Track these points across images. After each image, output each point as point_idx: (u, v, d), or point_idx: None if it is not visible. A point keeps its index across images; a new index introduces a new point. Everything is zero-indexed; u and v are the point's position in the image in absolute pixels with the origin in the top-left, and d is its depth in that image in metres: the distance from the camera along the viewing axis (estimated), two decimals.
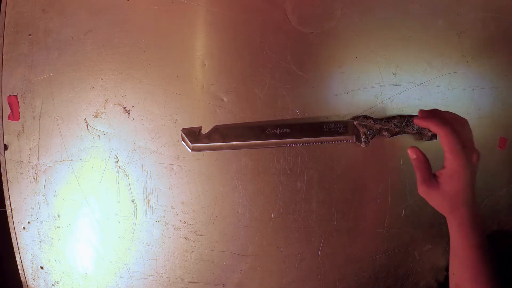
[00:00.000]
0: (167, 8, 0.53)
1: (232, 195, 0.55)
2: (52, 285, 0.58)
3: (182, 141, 0.49)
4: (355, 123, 0.54)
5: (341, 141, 0.54)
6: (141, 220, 0.56)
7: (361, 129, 0.54)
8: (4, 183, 0.56)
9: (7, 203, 0.56)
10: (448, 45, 0.56)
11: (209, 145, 0.49)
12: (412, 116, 0.54)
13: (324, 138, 0.53)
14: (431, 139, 0.55)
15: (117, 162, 0.55)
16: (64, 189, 0.56)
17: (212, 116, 0.54)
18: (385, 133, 0.54)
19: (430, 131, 0.54)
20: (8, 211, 0.57)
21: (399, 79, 0.56)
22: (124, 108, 0.54)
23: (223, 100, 0.54)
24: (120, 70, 0.54)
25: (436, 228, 0.58)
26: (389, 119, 0.54)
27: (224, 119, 0.54)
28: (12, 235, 0.57)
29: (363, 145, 0.54)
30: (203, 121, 0.54)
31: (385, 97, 0.55)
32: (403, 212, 0.57)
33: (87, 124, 0.55)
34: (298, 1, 0.54)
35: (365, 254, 0.57)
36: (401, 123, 0.54)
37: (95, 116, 0.55)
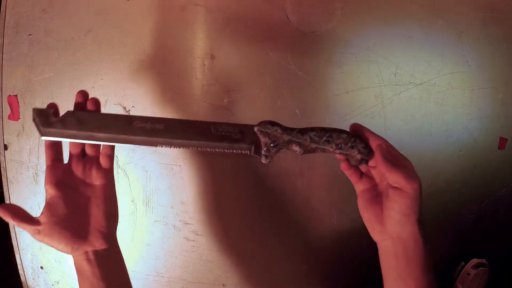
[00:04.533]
0: (167, 8, 0.53)
1: (232, 195, 0.55)
2: (52, 285, 0.58)
3: (34, 122, 0.40)
4: (255, 129, 0.41)
5: (233, 150, 0.41)
6: (141, 220, 0.56)
7: (263, 139, 0.41)
8: (4, 183, 0.56)
9: (7, 203, 0.56)
10: (448, 45, 0.56)
11: (62, 132, 0.39)
12: (336, 131, 0.41)
13: (209, 143, 0.40)
14: (360, 163, 0.41)
15: (117, 162, 0.55)
16: None
17: (212, 116, 0.54)
18: (296, 148, 0.41)
19: (359, 152, 0.40)
20: None
21: (399, 79, 0.56)
22: (124, 108, 0.54)
23: (223, 100, 0.54)
24: (120, 70, 0.54)
25: (437, 226, 0.58)
26: (304, 130, 0.41)
27: (224, 120, 0.54)
28: (12, 235, 0.57)
29: (263, 159, 0.41)
30: None
31: (385, 97, 0.55)
32: None
33: None
34: (298, 1, 0.54)
35: (366, 254, 0.57)
36: (320, 137, 0.40)
37: None
